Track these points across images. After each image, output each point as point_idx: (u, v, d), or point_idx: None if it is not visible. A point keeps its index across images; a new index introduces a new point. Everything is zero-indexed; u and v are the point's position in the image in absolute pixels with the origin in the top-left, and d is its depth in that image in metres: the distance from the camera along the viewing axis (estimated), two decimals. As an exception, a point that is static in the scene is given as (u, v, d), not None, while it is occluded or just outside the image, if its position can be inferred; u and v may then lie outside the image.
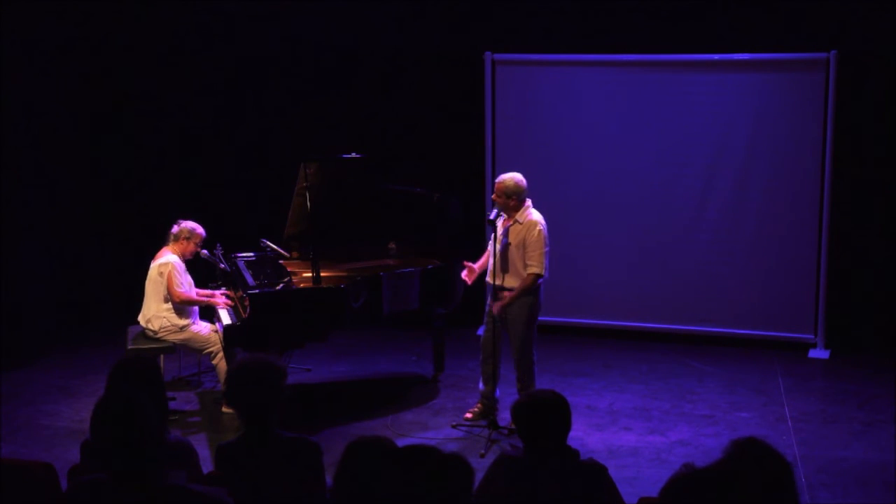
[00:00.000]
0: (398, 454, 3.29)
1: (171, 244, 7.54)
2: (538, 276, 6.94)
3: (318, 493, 3.95)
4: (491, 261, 7.05)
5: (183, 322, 7.47)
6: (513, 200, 6.98)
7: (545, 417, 3.99)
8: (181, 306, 7.46)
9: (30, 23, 8.94)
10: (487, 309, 7.20)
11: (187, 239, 7.52)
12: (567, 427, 4.04)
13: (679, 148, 9.01)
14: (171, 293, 7.40)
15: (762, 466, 2.95)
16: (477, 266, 7.32)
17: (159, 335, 7.45)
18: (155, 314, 7.44)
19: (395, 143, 9.62)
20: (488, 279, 7.15)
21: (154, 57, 10.03)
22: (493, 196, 7.08)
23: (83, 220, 9.83)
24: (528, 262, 6.93)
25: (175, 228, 7.54)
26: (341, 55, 9.80)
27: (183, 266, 7.51)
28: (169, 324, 7.44)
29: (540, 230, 6.94)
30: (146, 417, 3.25)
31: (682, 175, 9.03)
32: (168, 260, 7.44)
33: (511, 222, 7.00)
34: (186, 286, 7.49)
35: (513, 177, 7.02)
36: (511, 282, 6.98)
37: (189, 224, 7.55)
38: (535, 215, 7.00)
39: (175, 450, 3.95)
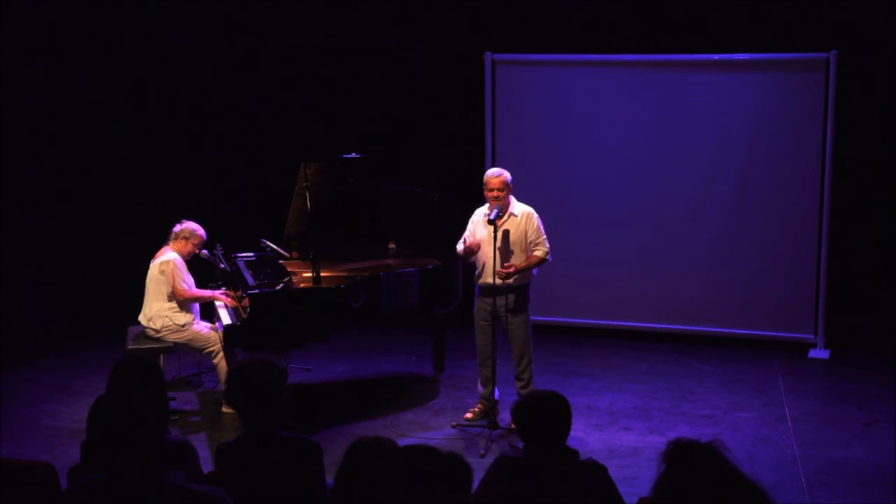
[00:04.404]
0: (398, 454, 3.29)
1: (171, 242, 7.54)
2: (545, 259, 6.99)
3: (319, 494, 3.94)
4: (488, 261, 7.02)
5: (184, 321, 7.46)
6: (509, 193, 7.00)
7: (545, 417, 3.99)
8: (184, 303, 7.46)
9: (34, 19, 8.93)
10: (476, 311, 7.19)
11: (186, 239, 7.51)
12: (567, 427, 4.04)
13: (679, 148, 9.01)
14: (174, 290, 7.40)
15: (690, 464, 2.99)
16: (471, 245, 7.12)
17: (161, 334, 7.45)
18: (157, 313, 7.44)
19: (394, 143, 9.61)
20: (481, 280, 7.11)
21: (155, 57, 10.03)
22: (494, 194, 6.92)
23: (83, 220, 9.81)
24: (535, 248, 6.96)
25: (177, 227, 7.55)
26: (341, 55, 9.80)
27: (184, 264, 7.51)
28: (171, 322, 7.43)
29: (537, 217, 7.02)
30: (137, 416, 3.25)
31: (683, 175, 9.03)
32: (169, 258, 7.44)
33: (506, 218, 6.99)
34: (188, 284, 7.50)
35: (503, 170, 7.06)
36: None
37: (191, 224, 7.55)
38: (525, 205, 7.06)
39: (175, 450, 3.95)
